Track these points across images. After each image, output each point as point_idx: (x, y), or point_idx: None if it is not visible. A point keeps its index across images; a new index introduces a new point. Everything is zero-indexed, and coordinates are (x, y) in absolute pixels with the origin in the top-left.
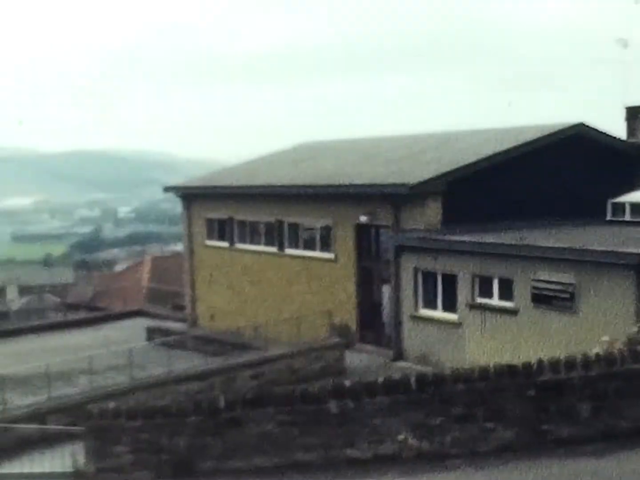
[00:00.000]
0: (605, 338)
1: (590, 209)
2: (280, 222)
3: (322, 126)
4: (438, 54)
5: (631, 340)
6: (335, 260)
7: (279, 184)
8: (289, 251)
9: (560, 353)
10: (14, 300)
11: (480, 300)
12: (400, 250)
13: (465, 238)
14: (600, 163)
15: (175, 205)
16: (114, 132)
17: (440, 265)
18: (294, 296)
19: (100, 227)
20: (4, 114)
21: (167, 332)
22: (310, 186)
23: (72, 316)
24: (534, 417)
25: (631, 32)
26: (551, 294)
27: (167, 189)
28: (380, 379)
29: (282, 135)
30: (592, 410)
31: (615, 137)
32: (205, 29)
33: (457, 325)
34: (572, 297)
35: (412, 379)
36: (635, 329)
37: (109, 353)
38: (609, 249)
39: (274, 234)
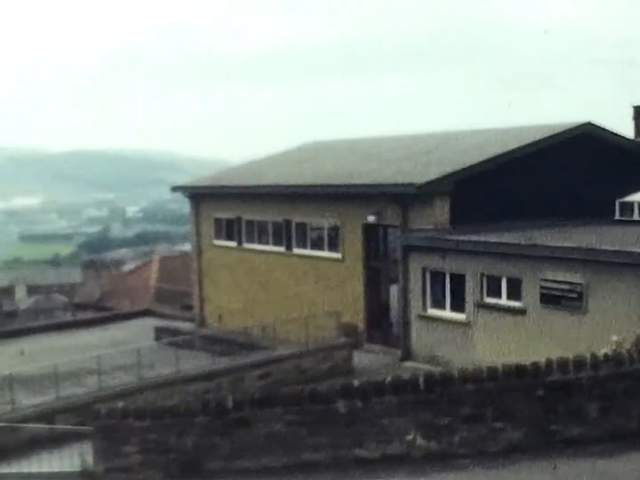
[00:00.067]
0: (614, 338)
1: (598, 208)
2: (288, 222)
3: (323, 126)
4: (438, 54)
5: None
6: (343, 260)
7: (286, 183)
8: (297, 251)
9: (569, 353)
10: (22, 300)
11: (488, 300)
12: (408, 250)
13: (473, 238)
14: (608, 162)
15: (183, 205)
16: (120, 132)
17: (448, 265)
18: (301, 296)
19: (108, 227)
20: (9, 114)
21: (175, 332)
22: (318, 186)
23: (80, 316)
24: (542, 417)
25: (632, 31)
26: (559, 293)
27: (174, 189)
28: (389, 379)
29: (283, 134)
30: (601, 410)
31: (622, 136)
32: (206, 28)
33: (465, 325)
34: (580, 297)
35: (421, 379)
36: None
37: (117, 353)
38: (618, 248)
39: (282, 234)
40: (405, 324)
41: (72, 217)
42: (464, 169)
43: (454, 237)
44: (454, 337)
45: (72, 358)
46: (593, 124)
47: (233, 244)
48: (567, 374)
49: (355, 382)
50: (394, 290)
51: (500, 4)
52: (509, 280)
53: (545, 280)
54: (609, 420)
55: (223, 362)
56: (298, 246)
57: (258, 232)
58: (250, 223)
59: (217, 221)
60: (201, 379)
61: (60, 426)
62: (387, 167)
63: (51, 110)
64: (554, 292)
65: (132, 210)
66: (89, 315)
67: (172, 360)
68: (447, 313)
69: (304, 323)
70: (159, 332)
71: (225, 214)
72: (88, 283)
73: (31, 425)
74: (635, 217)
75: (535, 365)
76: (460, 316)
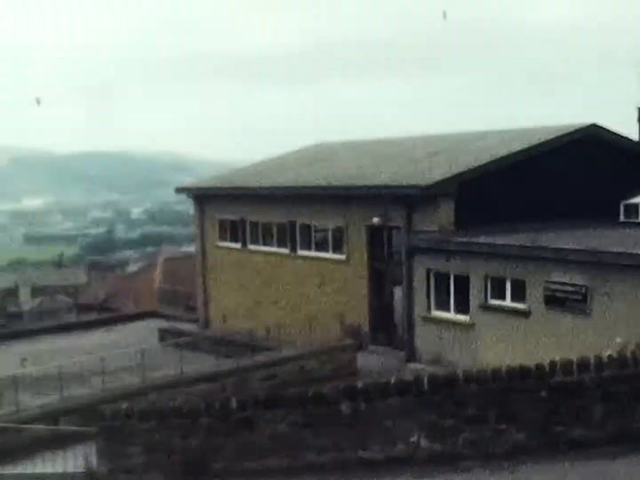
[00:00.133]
0: (618, 340)
1: (602, 210)
2: (293, 223)
3: (328, 127)
4: (443, 54)
5: None
6: (347, 262)
7: (291, 185)
8: (301, 252)
9: (573, 355)
10: (27, 301)
11: (492, 301)
12: (412, 251)
13: (478, 239)
14: (613, 164)
15: (188, 206)
16: (125, 133)
17: (453, 267)
18: (306, 297)
19: (113, 228)
20: (14, 115)
21: (179, 334)
22: (322, 187)
23: (85, 317)
24: (546, 419)
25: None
26: (564, 295)
27: (179, 190)
28: (393, 380)
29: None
30: (605, 412)
31: (627, 138)
32: (213, 28)
33: (469, 326)
34: (584, 299)
35: (425, 380)
36: None
37: (121, 354)
38: (622, 250)
39: (286, 235)
40: (410, 326)
41: (76, 218)
42: (468, 171)
43: (459, 239)
44: (458, 339)
45: (76, 359)
46: (597, 126)
47: (237, 245)
48: (571, 375)
49: (359, 384)
50: (398, 291)
51: (510, 4)
52: (513, 282)
53: (550, 282)
54: (613, 422)
55: (227, 364)
56: (302, 248)
57: (262, 233)
58: (254, 224)
59: (222, 222)
60: (205, 380)
61: (64, 427)
62: (391, 168)
63: (56, 111)
64: (558, 294)
65: (137, 212)
66: (93, 316)
67: (176, 361)
68: (452, 315)
69: (308, 324)
70: (163, 334)
71: (229, 216)
72: (92, 284)
73: (35, 426)
74: None
75: (539, 366)
76: (464, 318)
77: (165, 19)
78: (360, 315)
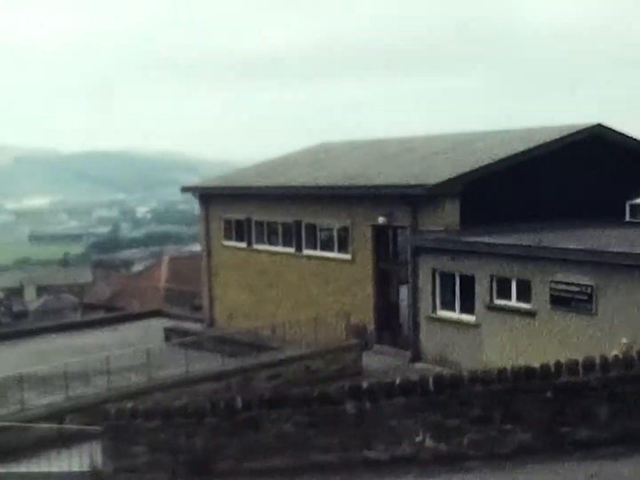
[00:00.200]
0: (624, 340)
1: (608, 210)
2: (298, 223)
3: (334, 127)
4: (449, 55)
5: None
6: (352, 261)
7: (296, 184)
8: (307, 252)
9: (578, 355)
10: (32, 300)
11: (498, 301)
12: (417, 251)
13: (483, 239)
14: (618, 164)
15: (193, 206)
16: (130, 133)
17: (458, 267)
18: (311, 297)
19: (118, 228)
20: (20, 114)
21: (184, 333)
22: (328, 187)
23: (90, 316)
24: (551, 419)
25: None
26: (569, 295)
27: (184, 190)
28: (398, 380)
29: (294, 135)
30: (610, 412)
31: (633, 138)
32: (220, 28)
33: (474, 326)
34: (590, 299)
35: (430, 381)
36: None
37: (126, 353)
38: (627, 250)
39: (292, 235)
40: (415, 326)
41: (82, 218)
42: (474, 171)
43: (464, 239)
44: (463, 339)
45: (81, 358)
46: (603, 126)
47: (243, 244)
48: (577, 376)
49: (364, 384)
50: (404, 291)
51: (517, 5)
52: (518, 282)
53: (555, 282)
54: (619, 422)
55: (232, 363)
56: (308, 247)
57: (268, 233)
58: (260, 224)
59: (227, 222)
60: (210, 379)
61: (69, 426)
62: (397, 168)
63: (62, 110)
64: (563, 294)
65: (142, 211)
66: (99, 315)
67: (182, 360)
68: (457, 315)
69: (314, 324)
70: (169, 333)
71: (235, 215)
72: (98, 283)
73: (40, 425)
74: None
75: (544, 367)
76: (469, 318)
77: (170, 19)
78: (365, 315)
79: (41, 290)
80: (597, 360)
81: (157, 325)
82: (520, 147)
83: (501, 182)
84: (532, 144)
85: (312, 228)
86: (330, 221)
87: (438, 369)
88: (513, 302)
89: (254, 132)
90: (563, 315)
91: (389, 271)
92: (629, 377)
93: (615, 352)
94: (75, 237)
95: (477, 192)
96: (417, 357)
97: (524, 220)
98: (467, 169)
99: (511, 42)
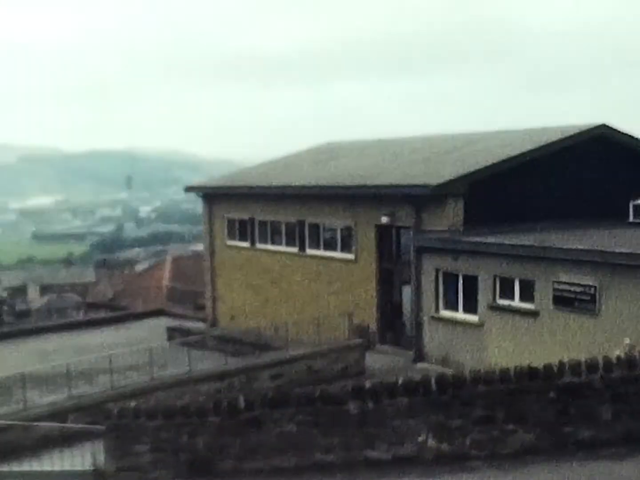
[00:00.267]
0: (627, 341)
1: (612, 210)
2: (302, 223)
3: (338, 127)
4: (458, 55)
5: None
6: (356, 261)
7: (300, 184)
8: (310, 251)
9: (581, 355)
10: (35, 299)
11: (501, 301)
12: (421, 251)
13: (487, 239)
14: (622, 165)
15: (197, 205)
16: (134, 132)
17: (461, 267)
18: (314, 296)
19: (121, 227)
20: (24, 114)
21: (187, 332)
22: (331, 187)
23: (93, 315)
24: (554, 419)
25: None
26: (572, 296)
27: (188, 189)
28: (401, 380)
29: (298, 135)
30: (613, 413)
31: (637, 139)
32: (223, 28)
33: (477, 326)
34: (593, 300)
35: (433, 381)
36: None
37: (129, 352)
38: (631, 251)
39: (295, 235)
40: (418, 325)
41: (85, 217)
42: (477, 171)
43: (467, 239)
44: (466, 339)
45: (84, 357)
46: (608, 126)
47: (246, 244)
48: (580, 376)
49: (367, 384)
50: (407, 291)
51: (523, 3)
52: (521, 282)
53: (558, 282)
54: (621, 423)
55: (235, 362)
56: (311, 247)
57: (271, 232)
58: (263, 223)
59: (231, 221)
60: (213, 379)
61: (72, 425)
62: (401, 168)
63: (66, 110)
64: (566, 294)
65: (145, 210)
66: (102, 314)
67: (184, 360)
68: (460, 314)
69: (317, 324)
70: (172, 332)
71: (238, 215)
72: (101, 282)
73: (43, 423)
74: None
75: (547, 367)
76: (472, 318)
77: (172, 18)
78: (368, 314)
79: (44, 289)
80: (600, 361)
81: (160, 324)
82: (524, 147)
83: (505, 182)
84: (535, 145)
85: (315, 228)
86: (334, 221)
87: (441, 369)
88: (516, 302)
89: (257, 131)
90: (566, 315)
91: (392, 271)
92: (632, 377)
93: (618, 352)
94: (78, 237)
95: (481, 192)
96: (420, 357)
97: (527, 221)
98: (470, 169)
99: (511, 43)
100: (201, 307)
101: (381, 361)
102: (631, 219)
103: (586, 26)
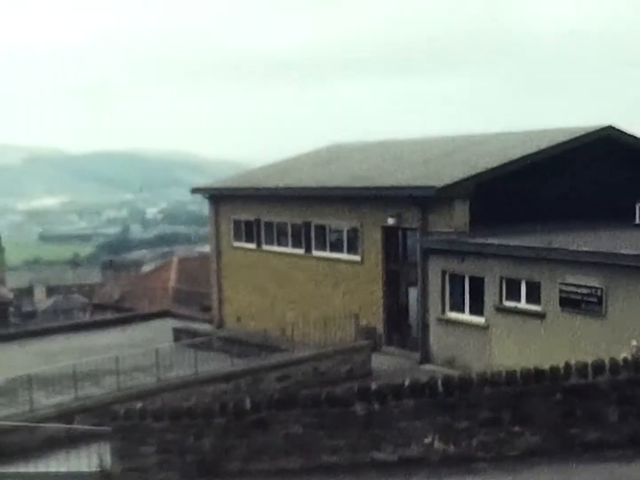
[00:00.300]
0: (634, 343)
1: (618, 212)
2: (308, 224)
3: (344, 128)
4: (458, 55)
5: None
6: (362, 263)
7: (306, 185)
8: (316, 253)
9: (588, 357)
10: (42, 301)
11: (507, 303)
12: (427, 252)
13: (493, 241)
14: (629, 166)
15: (203, 207)
16: (140, 133)
17: (468, 268)
18: (320, 298)
19: (127, 228)
20: (30, 115)
21: (193, 333)
22: (337, 188)
23: (99, 316)
24: (561, 421)
25: None
26: (579, 297)
27: (194, 190)
28: (407, 382)
29: (304, 136)
30: (620, 415)
31: None
32: (227, 28)
33: (484, 328)
34: (599, 301)
35: (439, 382)
36: None
37: (135, 354)
38: (637, 252)
39: (301, 236)
40: (424, 327)
41: (91, 218)
42: (484, 172)
43: (473, 240)
44: (472, 341)
45: (90, 358)
46: (614, 128)
47: (252, 245)
48: (586, 378)
49: (373, 385)
50: (413, 292)
51: (524, 5)
52: (528, 284)
53: (565, 284)
54: (628, 425)
55: (241, 364)
56: (317, 248)
57: (277, 234)
58: (269, 225)
59: (237, 223)
60: (219, 380)
61: (78, 426)
62: (407, 169)
63: (70, 111)
64: (573, 296)
65: (151, 212)
66: (108, 316)
67: (191, 361)
68: (466, 316)
69: (323, 325)
70: (178, 333)
71: (244, 216)
72: (107, 284)
73: (49, 425)
74: None
75: (553, 369)
76: (479, 319)
77: (174, 18)
78: (374, 316)
79: (51, 290)
80: (607, 363)
81: (166, 325)
82: (530, 148)
83: (511, 183)
84: (543, 146)
85: (321, 229)
86: (340, 222)
87: (447, 370)
88: (522, 304)
89: (262, 132)
90: (572, 317)
91: (398, 272)
92: (639, 379)
93: (624, 354)
94: (84, 238)
95: (487, 194)
96: (426, 358)
97: (533, 222)
98: (477, 171)
99: (511, 44)
100: (207, 309)
101: (387, 363)
102: (637, 220)
103: (587, 26)
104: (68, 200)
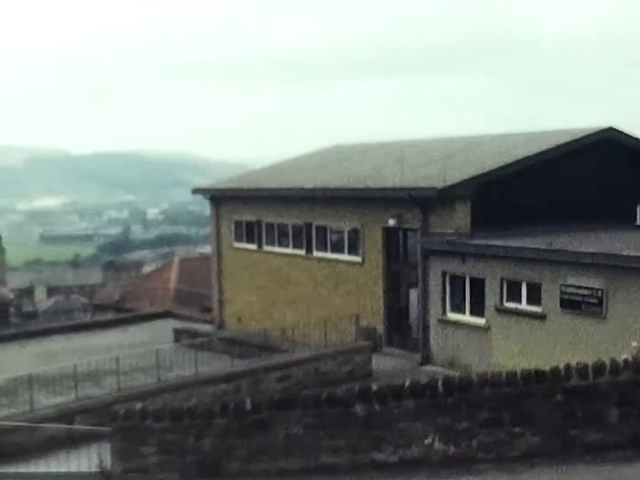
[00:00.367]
0: (634, 344)
1: (619, 213)
2: (309, 225)
3: (346, 129)
4: (461, 56)
5: None
6: (362, 264)
7: (307, 186)
8: (317, 254)
9: (588, 358)
10: (42, 301)
11: (508, 304)
12: (428, 253)
13: (494, 242)
14: (630, 167)
15: (204, 207)
16: (141, 134)
17: (468, 269)
18: (321, 299)
19: (128, 229)
20: (31, 115)
21: (194, 334)
22: (338, 189)
23: (100, 317)
24: (561, 422)
25: None
26: (580, 299)
27: (195, 191)
28: (407, 383)
29: (306, 137)
30: (620, 416)
31: None
32: (228, 30)
33: (484, 329)
34: (600, 303)
35: (439, 383)
36: None
37: (136, 354)
38: (638, 254)
39: (302, 237)
40: (425, 328)
41: (92, 219)
42: (485, 173)
43: (475, 242)
44: (473, 342)
45: (91, 359)
46: (615, 129)
47: (253, 246)
48: (587, 379)
49: (374, 386)
50: (414, 293)
51: (526, 7)
52: (529, 285)
53: (566, 285)
54: (629, 426)
55: (242, 364)
56: (318, 249)
57: (278, 234)
58: (270, 226)
59: (238, 223)
60: (220, 381)
61: (78, 426)
62: (408, 170)
63: (72, 112)
64: (574, 297)
65: (152, 212)
66: (109, 316)
67: (191, 362)
68: (467, 317)
69: (324, 326)
70: (178, 334)
71: (245, 217)
72: (108, 284)
73: (50, 425)
74: None
75: (554, 370)
76: (479, 320)
77: (176, 19)
78: (375, 317)
79: (51, 290)
80: (607, 364)
81: (167, 326)
82: (532, 150)
83: (512, 184)
84: (544, 147)
85: (322, 230)
86: (341, 223)
87: (447, 371)
88: (523, 305)
89: (262, 133)
90: (573, 318)
91: (399, 273)
92: (639, 380)
93: (625, 355)
94: (85, 238)
95: (488, 195)
96: (426, 359)
97: (534, 223)
98: (479, 172)
99: (511, 44)
100: (208, 309)
101: (388, 363)
102: (638, 221)
103: (587, 26)
104: (69, 201)
